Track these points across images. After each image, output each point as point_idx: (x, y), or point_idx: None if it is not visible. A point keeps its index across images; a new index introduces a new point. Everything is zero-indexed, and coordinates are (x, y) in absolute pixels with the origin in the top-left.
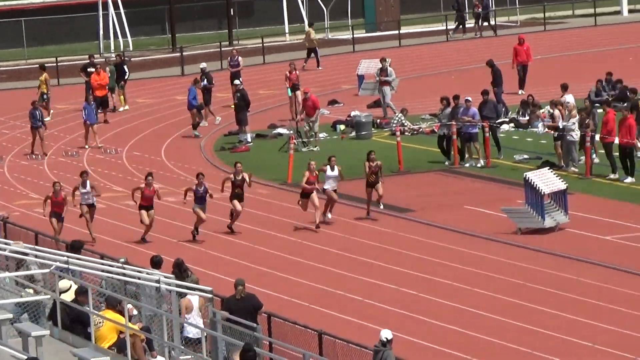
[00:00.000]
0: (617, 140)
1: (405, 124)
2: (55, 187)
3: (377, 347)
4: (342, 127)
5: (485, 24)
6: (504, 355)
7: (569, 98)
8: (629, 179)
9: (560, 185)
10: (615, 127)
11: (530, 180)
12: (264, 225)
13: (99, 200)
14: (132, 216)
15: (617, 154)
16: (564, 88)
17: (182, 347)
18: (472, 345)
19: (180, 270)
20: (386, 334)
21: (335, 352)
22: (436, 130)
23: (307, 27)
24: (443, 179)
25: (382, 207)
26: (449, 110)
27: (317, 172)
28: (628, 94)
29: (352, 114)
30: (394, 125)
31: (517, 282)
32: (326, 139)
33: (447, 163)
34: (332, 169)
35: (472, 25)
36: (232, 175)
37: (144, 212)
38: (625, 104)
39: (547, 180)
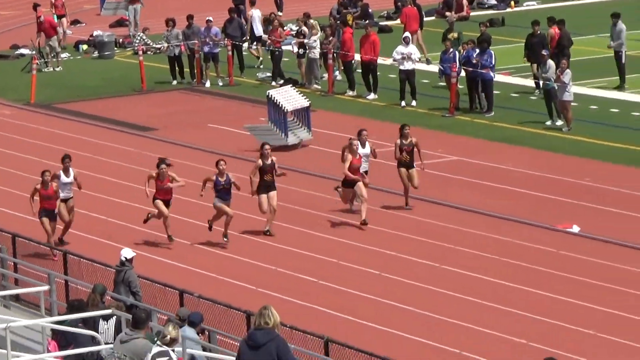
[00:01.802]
0: (358, 57)
1: (148, 43)
2: (44, 176)
3: (117, 266)
4: (85, 47)
5: None
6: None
7: (256, 13)
8: (372, 96)
9: (303, 102)
10: (354, 44)
11: (273, 98)
12: (8, 145)
13: None
14: None
15: (360, 70)
16: (252, 3)
17: None
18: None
19: None
20: (126, 253)
21: (81, 271)
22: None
23: None
24: (186, 97)
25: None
26: (176, 31)
27: (360, 154)
28: (370, 11)
29: (95, 33)
30: (136, 44)
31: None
32: (69, 59)
33: (193, 82)
34: (363, 145)
35: None
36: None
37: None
38: (367, 21)
39: (290, 98)
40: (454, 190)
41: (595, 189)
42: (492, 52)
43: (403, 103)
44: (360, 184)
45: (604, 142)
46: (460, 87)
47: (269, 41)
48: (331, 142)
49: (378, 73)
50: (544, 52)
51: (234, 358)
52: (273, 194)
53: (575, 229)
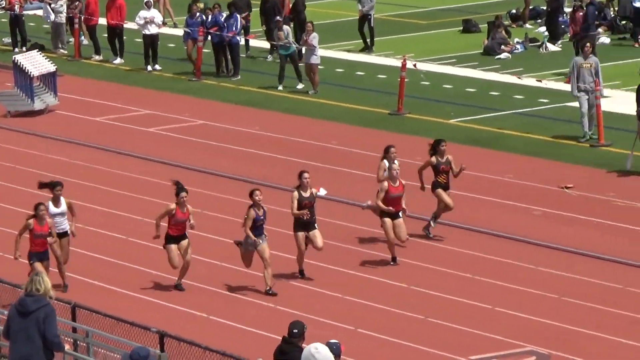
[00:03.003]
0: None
1: None
2: (39, 211)
3: None
4: None
5: None
6: None
7: None
8: (118, 60)
9: (50, 67)
10: (99, 9)
11: (19, 63)
12: None
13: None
14: None
15: (106, 35)
16: None
17: None
18: None
19: None
20: None
21: None
22: None
23: None
24: None
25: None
26: None
27: (401, 181)
28: None
29: None
30: None
31: (5, 165)
32: None
33: None
34: (392, 162)
35: None
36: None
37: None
38: None
39: (36, 63)
40: (201, 155)
41: (341, 151)
42: (238, 16)
43: (149, 67)
44: (400, 221)
45: (350, 105)
46: (206, 51)
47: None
48: (78, 107)
49: (124, 37)
50: (278, 18)
51: None
52: (315, 232)
53: (322, 192)
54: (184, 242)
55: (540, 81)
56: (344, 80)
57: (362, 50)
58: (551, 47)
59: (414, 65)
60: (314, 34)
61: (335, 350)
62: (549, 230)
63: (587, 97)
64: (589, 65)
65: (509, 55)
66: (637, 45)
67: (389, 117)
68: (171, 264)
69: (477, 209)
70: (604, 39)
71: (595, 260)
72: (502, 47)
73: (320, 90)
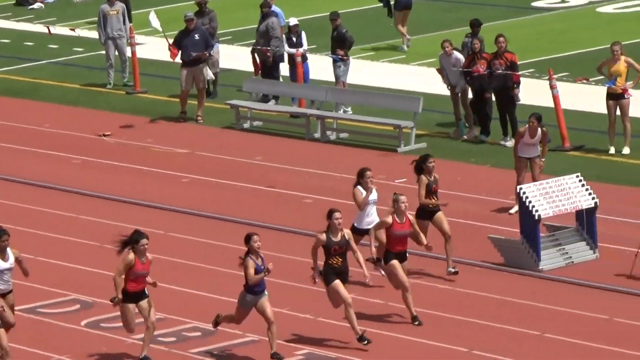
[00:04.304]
0: None
1: None
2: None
3: None
4: None
5: None
6: None
7: None
8: None
9: None
10: None
11: None
12: None
13: None
14: None
15: None
16: None
17: None
18: None
19: None
20: None
21: None
22: None
23: None
24: None
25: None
26: None
27: (408, 216)
28: None
29: None
30: None
31: None
32: None
33: None
34: (369, 189)
35: None
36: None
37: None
38: None
39: None
40: None
41: None
42: None
43: None
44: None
45: None
46: None
47: None
48: None
49: None
50: None
51: None
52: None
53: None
54: (144, 302)
55: (73, 30)
56: None
57: None
58: None
59: None
60: None
61: None
62: (89, 178)
63: (114, 44)
64: (115, 11)
65: (42, 5)
66: None
67: None
68: (130, 326)
69: (17, 160)
70: None
71: (140, 208)
72: None
73: None
